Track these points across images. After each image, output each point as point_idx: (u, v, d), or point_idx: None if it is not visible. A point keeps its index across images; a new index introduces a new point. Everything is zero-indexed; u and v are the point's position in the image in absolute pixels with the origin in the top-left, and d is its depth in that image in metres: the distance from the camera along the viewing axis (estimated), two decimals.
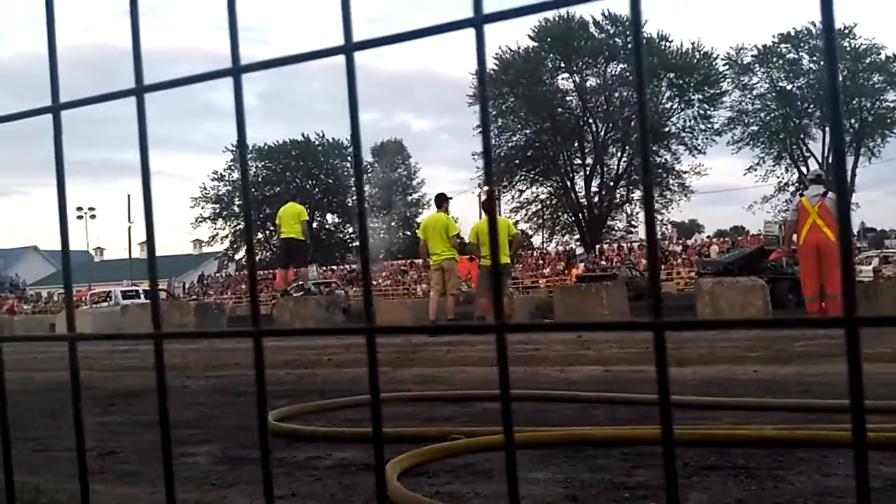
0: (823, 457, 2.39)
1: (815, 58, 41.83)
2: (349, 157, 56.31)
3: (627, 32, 43.63)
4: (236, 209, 55.16)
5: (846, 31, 40.71)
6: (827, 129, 42.34)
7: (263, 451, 0.65)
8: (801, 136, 43.81)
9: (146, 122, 0.70)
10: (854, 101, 40.87)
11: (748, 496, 2.02)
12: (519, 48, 44.41)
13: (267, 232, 53.88)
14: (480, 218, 10.01)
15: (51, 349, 10.99)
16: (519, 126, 46.03)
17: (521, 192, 46.74)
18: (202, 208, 55.46)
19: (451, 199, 10.47)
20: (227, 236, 55.89)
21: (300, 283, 13.02)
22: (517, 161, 45.52)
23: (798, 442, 2.53)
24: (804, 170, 41.98)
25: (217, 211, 55.32)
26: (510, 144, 46.12)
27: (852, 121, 41.71)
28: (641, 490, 2.12)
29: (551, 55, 44.84)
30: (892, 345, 5.23)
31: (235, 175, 55.19)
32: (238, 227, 55.42)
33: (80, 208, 58.70)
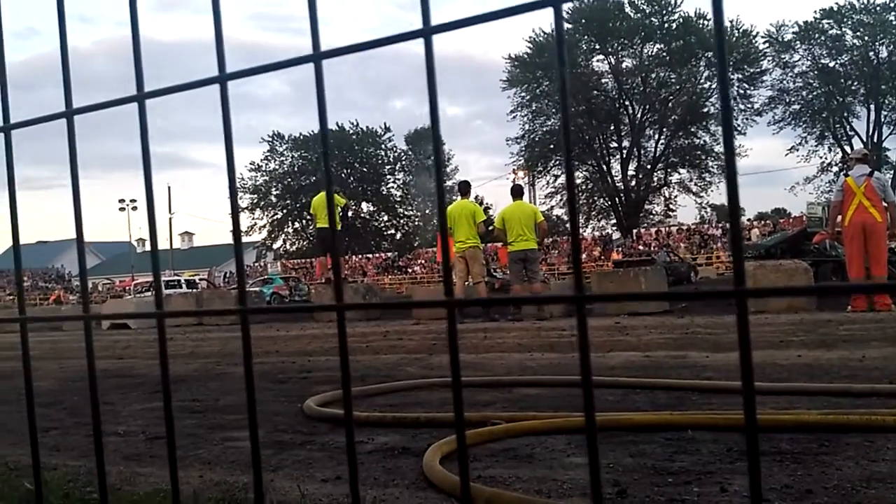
0: (870, 442, 2.35)
1: (858, 33, 40.58)
2: (383, 146, 56.47)
3: (664, 11, 42.89)
4: (273, 199, 55.78)
5: (892, 5, 39.40)
6: (872, 106, 41.16)
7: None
8: (845, 114, 42.60)
9: (147, 125, 0.72)
10: None
11: (794, 481, 2.00)
12: (553, 31, 43.87)
13: (304, 221, 54.40)
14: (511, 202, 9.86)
15: (98, 338, 11.30)
16: (553, 110, 45.56)
17: (556, 177, 46.29)
18: (240, 198, 56.15)
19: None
20: (264, 226, 56.60)
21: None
22: (552, 146, 45.12)
23: (844, 427, 2.49)
24: (848, 149, 40.84)
25: (255, 201, 56.00)
26: (545, 129, 45.74)
27: None
28: (684, 475, 2.11)
29: (586, 37, 44.26)
30: None
31: (272, 165, 55.84)
32: (276, 217, 56.07)
33: (122, 200, 59.97)
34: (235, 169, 0.68)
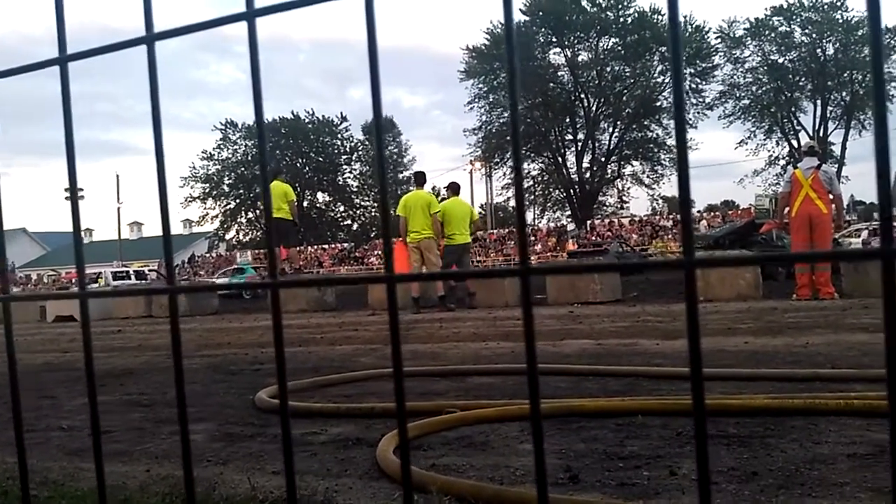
0: (813, 425, 2.41)
1: (806, 30, 41.65)
2: (340, 135, 55.94)
3: (620, 6, 43.35)
4: (226, 189, 54.77)
5: (838, 4, 40.55)
6: (818, 101, 42.35)
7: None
8: (793, 109, 43.73)
9: (69, 91, 0.69)
10: (846, 74, 40.81)
11: (741, 463, 2.04)
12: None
13: (257, 211, 53.60)
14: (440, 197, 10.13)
15: (42, 331, 10.96)
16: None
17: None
18: (191, 188, 55.01)
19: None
20: (217, 216, 55.56)
21: (291, 264, 12.95)
22: (508, 137, 45.23)
23: (788, 411, 2.56)
24: (795, 143, 42.02)
25: (207, 190, 54.88)
26: (501, 120, 45.90)
27: (843, 93, 41.69)
28: (634, 460, 2.14)
29: (543, 29, 44.48)
30: (879, 316, 5.27)
31: (225, 154, 54.80)
32: (228, 207, 55.08)
33: (67, 188, 58.19)
34: (163, 137, 0.65)
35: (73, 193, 0.71)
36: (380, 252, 47.71)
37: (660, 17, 42.38)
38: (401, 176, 57.92)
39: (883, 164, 0.46)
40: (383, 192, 0.58)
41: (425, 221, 9.61)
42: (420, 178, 10.17)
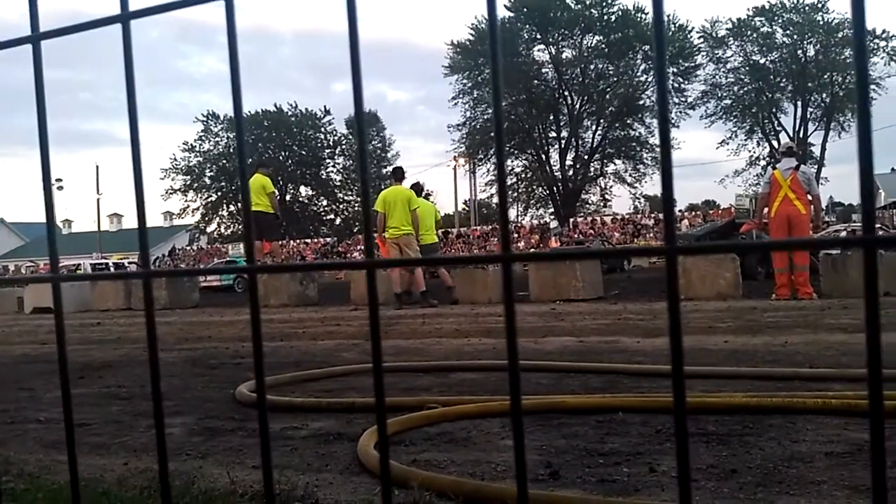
0: (792, 423, 2.44)
1: (788, 31, 42.01)
2: (323, 129, 55.62)
3: (604, 4, 43.48)
4: (207, 181, 54.28)
5: (819, 6, 40.93)
6: (799, 102, 42.76)
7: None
8: (773, 109, 44.12)
9: (42, 70, 0.68)
10: (826, 76, 41.23)
11: (720, 461, 2.06)
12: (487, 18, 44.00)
13: (238, 204, 53.18)
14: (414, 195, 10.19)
15: (19, 323, 10.82)
16: None
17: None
18: (172, 180, 54.48)
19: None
20: (198, 209, 55.04)
21: (274, 258, 12.86)
22: (492, 133, 45.23)
23: (767, 409, 2.58)
24: (776, 144, 42.38)
25: (188, 183, 54.33)
26: (486, 116, 45.90)
27: (823, 95, 42.12)
28: (614, 456, 2.15)
29: (527, 26, 44.50)
30: (857, 316, 5.34)
31: (207, 146, 54.30)
32: (210, 200, 54.61)
33: None
34: (138, 120, 0.64)
35: (46, 170, 0.70)
36: (362, 247, 47.66)
37: (643, 16, 42.57)
38: (384, 171, 57.79)
39: (865, 154, 0.46)
40: (364, 176, 0.57)
41: (405, 217, 9.58)
42: (399, 174, 10.14)
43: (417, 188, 10.32)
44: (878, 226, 28.97)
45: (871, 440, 0.48)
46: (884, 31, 39.79)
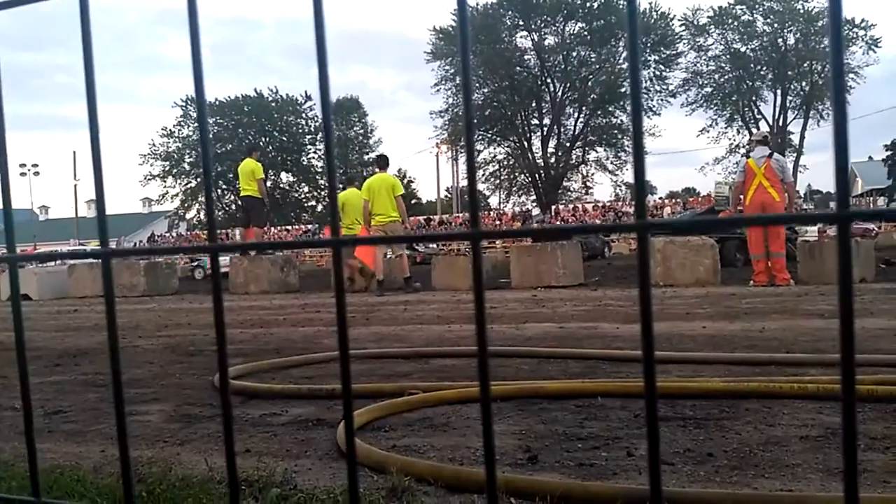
0: (768, 408, 2.47)
1: (768, 20, 42.24)
2: (304, 114, 55.18)
3: None
4: (187, 167, 53.71)
5: None
6: (779, 91, 43.09)
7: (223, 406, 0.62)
8: (754, 98, 44.44)
9: None
10: (805, 65, 41.56)
11: (696, 445, 2.08)
12: (478, 4, 43.80)
13: (219, 191, 52.73)
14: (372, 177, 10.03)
15: None
16: (477, 85, 45.62)
17: (479, 152, 46.49)
18: (151, 165, 53.82)
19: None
20: (177, 195, 54.45)
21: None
22: (475, 120, 45.12)
23: (744, 394, 2.61)
24: (755, 131, 42.71)
25: (167, 168, 53.70)
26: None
27: (803, 83, 42.47)
28: (593, 441, 2.17)
29: (510, 13, 44.36)
30: (833, 302, 5.41)
31: (186, 131, 53.66)
32: (189, 186, 54.06)
33: (22, 165, 56.58)
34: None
35: (2, 147, 0.68)
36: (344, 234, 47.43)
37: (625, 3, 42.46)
38: (366, 158, 57.50)
39: (840, 124, 0.45)
40: (329, 158, 0.56)
41: (390, 204, 9.56)
42: (383, 162, 10.09)
43: (383, 160, 10.14)
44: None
45: (843, 409, 0.48)
46: (862, 21, 40.10)
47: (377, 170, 10.02)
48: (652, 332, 0.51)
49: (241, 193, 11.89)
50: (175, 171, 53.76)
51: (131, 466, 0.66)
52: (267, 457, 2.14)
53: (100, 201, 0.65)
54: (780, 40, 42.31)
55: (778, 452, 1.98)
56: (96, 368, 4.08)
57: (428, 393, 2.78)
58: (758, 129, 42.62)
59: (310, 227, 51.04)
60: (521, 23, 44.81)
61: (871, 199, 42.25)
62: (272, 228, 48.75)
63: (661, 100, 44.66)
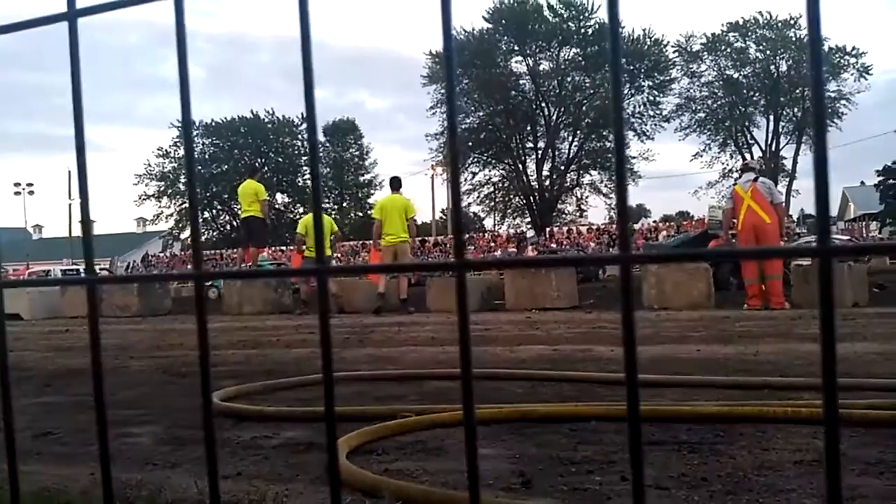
0: (762, 432, 2.46)
1: (761, 47, 42.74)
2: (300, 136, 55.32)
3: (581, 17, 43.92)
4: (182, 187, 53.68)
5: (792, 22, 41.70)
6: (771, 116, 43.47)
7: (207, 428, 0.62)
8: (746, 123, 44.82)
9: None
10: (797, 91, 41.99)
11: (691, 469, 2.07)
12: (473, 29, 44.22)
13: (214, 211, 52.73)
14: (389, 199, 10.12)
15: None
16: (472, 108, 45.93)
17: (474, 174, 46.72)
18: (146, 185, 53.82)
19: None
20: (171, 215, 54.37)
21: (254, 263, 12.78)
22: (470, 143, 45.44)
23: (738, 418, 2.60)
24: (748, 156, 43.02)
25: (162, 188, 53.71)
26: (464, 126, 46.00)
27: (795, 109, 42.86)
28: (587, 465, 2.15)
29: (505, 38, 44.77)
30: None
31: (181, 152, 53.69)
32: (184, 206, 53.97)
33: (17, 184, 56.59)
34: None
35: None
36: (339, 255, 47.43)
37: (620, 30, 42.99)
38: (362, 179, 57.63)
39: (821, 159, 0.46)
40: (315, 184, 0.57)
41: (401, 225, 9.69)
42: (396, 183, 10.18)
43: (396, 182, 10.18)
44: (846, 237, 29.52)
45: (826, 420, 0.48)
46: (853, 49, 40.64)
47: (390, 191, 10.14)
48: (636, 363, 0.51)
49: (243, 214, 11.95)
50: (170, 191, 53.79)
51: (114, 495, 0.65)
52: (258, 480, 2.12)
53: (85, 227, 0.65)
54: (772, 67, 42.81)
55: (772, 477, 1.97)
56: (87, 389, 4.04)
57: (421, 416, 2.76)
58: (751, 153, 43.00)
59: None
60: (516, 48, 45.24)
61: (864, 223, 42.44)
62: (268, 249, 48.64)
63: (655, 124, 44.99)
